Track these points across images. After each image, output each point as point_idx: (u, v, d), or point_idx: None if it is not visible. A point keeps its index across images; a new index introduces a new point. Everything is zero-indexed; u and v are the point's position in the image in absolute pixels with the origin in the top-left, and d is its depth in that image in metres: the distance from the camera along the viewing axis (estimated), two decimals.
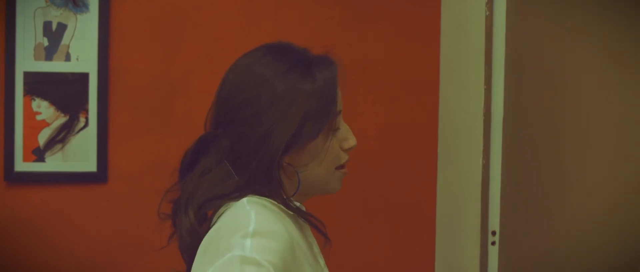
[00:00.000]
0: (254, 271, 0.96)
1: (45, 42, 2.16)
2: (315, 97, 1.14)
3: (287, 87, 1.14)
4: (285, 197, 1.15)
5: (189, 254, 1.12)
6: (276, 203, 1.15)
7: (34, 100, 2.16)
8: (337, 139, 1.20)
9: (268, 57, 1.18)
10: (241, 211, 1.09)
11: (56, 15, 2.16)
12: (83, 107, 2.18)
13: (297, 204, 1.21)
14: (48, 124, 2.17)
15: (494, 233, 2.02)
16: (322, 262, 1.25)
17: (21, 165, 2.16)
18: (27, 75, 2.15)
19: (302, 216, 1.18)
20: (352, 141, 1.22)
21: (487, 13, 2.00)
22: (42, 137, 2.16)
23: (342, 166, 1.22)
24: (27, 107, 2.15)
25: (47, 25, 2.16)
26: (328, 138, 1.17)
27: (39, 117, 2.16)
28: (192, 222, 1.11)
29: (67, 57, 2.17)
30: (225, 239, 1.02)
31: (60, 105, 2.17)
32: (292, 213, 1.17)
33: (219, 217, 1.12)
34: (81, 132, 2.18)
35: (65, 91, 2.17)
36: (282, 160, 1.15)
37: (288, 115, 1.13)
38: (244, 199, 1.13)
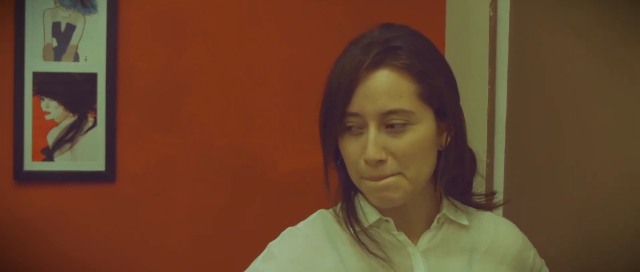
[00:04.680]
0: None
1: (54, 43, 2.18)
2: (328, 85, 1.06)
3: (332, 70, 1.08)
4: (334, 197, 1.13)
5: None
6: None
7: (43, 100, 2.18)
8: (356, 144, 1.04)
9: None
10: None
11: (65, 16, 2.18)
12: (91, 107, 2.20)
13: (374, 217, 1.11)
14: (57, 124, 2.19)
15: None
16: None
17: (30, 164, 2.18)
18: (36, 75, 2.17)
19: (352, 230, 1.09)
20: (366, 154, 1.02)
21: (491, 14, 2.01)
22: (51, 137, 2.19)
23: (367, 178, 1.04)
24: (36, 107, 2.17)
25: (55, 26, 2.18)
26: (342, 137, 1.05)
27: (47, 117, 2.18)
28: None
29: (76, 58, 2.19)
30: None
31: (68, 105, 2.19)
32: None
33: None
34: (89, 132, 2.20)
35: (73, 91, 2.19)
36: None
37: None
38: (317, 212, 1.17)
